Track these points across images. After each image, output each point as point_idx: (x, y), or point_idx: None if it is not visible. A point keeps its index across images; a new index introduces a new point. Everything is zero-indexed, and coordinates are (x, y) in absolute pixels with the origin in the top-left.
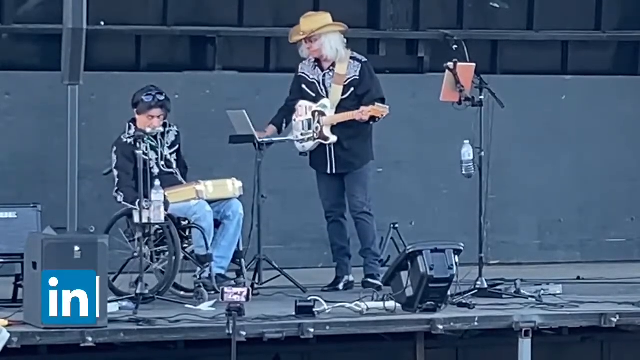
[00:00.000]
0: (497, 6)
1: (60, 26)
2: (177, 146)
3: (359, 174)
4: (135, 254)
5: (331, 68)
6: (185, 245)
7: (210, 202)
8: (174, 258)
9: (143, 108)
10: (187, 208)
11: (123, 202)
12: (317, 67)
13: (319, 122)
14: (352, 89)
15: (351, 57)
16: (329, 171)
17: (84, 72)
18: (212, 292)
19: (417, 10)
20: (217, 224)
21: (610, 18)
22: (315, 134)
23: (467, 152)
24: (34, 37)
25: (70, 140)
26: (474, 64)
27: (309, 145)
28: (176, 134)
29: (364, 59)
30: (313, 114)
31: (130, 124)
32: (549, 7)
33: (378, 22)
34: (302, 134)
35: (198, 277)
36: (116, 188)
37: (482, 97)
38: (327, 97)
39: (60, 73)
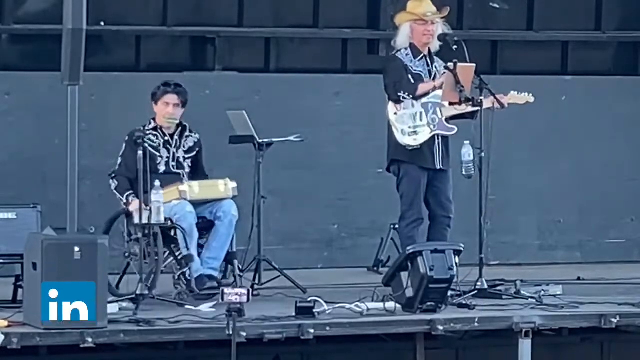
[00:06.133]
0: (497, 6)
1: (60, 26)
2: (195, 153)
3: (450, 174)
4: (126, 254)
5: (432, 61)
6: (173, 246)
7: (203, 202)
8: (155, 259)
9: (159, 95)
10: (169, 209)
11: (114, 190)
12: (423, 59)
13: (434, 113)
14: None
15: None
16: (437, 166)
17: (83, 72)
18: (191, 293)
19: None
20: (212, 224)
21: (610, 18)
22: (432, 125)
23: (467, 152)
24: (34, 38)
25: (70, 141)
26: (474, 65)
27: (423, 137)
28: (196, 140)
29: None
30: (424, 105)
31: (152, 120)
32: (549, 7)
33: (378, 22)
34: (409, 127)
35: (176, 277)
36: (113, 174)
37: (482, 97)
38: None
39: (60, 73)
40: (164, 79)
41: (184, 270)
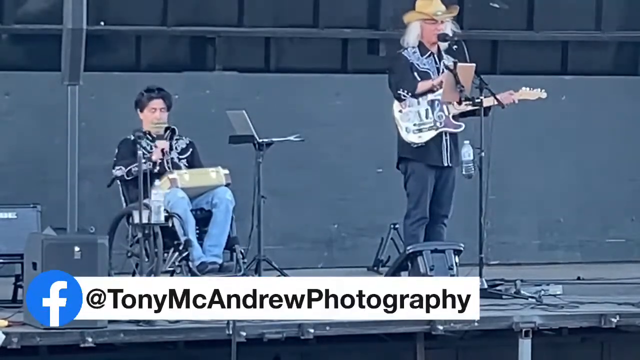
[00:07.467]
0: (497, 6)
1: (60, 26)
2: (189, 153)
3: (455, 173)
4: (128, 254)
5: (440, 58)
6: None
7: (199, 194)
8: (155, 259)
9: (144, 102)
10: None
11: (125, 174)
12: (430, 57)
13: (441, 110)
14: None
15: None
16: (444, 163)
17: (83, 72)
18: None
19: None
20: (212, 214)
21: (610, 18)
22: (439, 123)
23: (468, 152)
24: (34, 37)
25: (70, 141)
26: (474, 64)
27: (428, 135)
28: (187, 142)
29: None
30: (431, 102)
31: (140, 129)
32: (549, 7)
33: (378, 22)
34: (414, 124)
35: (177, 262)
36: (115, 161)
37: (482, 97)
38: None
39: (60, 73)
40: (164, 78)
41: (184, 254)
